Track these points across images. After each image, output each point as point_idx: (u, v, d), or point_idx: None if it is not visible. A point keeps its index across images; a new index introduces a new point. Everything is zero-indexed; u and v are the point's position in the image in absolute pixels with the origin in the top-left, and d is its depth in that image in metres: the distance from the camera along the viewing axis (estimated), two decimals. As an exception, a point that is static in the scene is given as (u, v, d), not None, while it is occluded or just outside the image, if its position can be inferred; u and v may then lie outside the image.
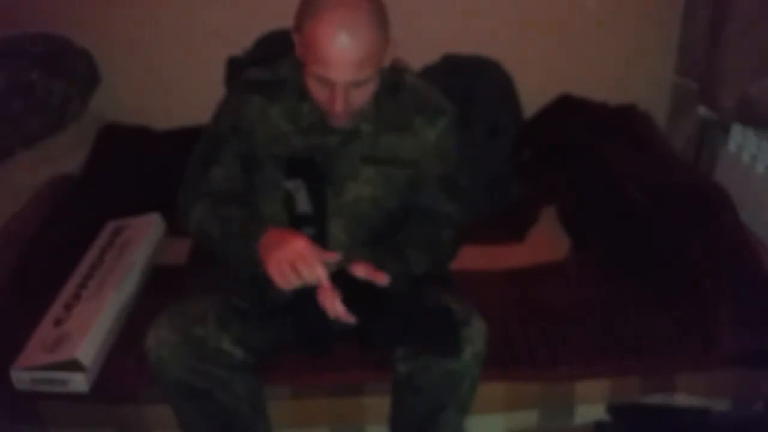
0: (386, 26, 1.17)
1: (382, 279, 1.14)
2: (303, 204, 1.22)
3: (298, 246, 1.12)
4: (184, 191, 1.34)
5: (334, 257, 1.17)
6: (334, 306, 1.14)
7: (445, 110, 1.32)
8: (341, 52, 1.11)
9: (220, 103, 1.36)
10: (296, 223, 1.22)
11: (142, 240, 1.66)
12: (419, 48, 1.97)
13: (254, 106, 1.29)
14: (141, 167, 1.97)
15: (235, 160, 1.30)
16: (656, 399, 1.43)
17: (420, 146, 1.30)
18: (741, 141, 1.86)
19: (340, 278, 1.14)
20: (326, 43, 1.11)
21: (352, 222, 1.30)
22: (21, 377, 1.34)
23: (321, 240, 1.23)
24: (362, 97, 1.19)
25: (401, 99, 1.29)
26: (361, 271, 1.15)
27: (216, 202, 1.27)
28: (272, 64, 1.33)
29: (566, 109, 2.11)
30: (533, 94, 2.10)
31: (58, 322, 1.42)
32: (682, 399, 1.43)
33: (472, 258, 1.54)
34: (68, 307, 1.46)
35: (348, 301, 1.13)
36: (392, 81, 1.28)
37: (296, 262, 1.12)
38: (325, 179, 1.26)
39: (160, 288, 1.57)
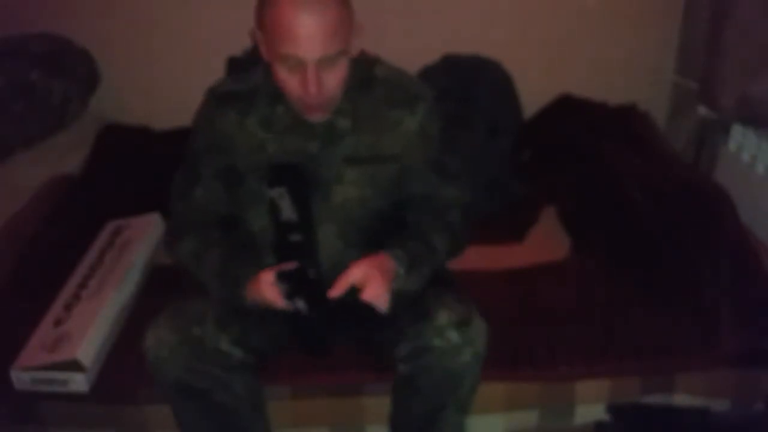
0: (350, 5, 1.15)
1: (382, 309, 1.15)
2: (288, 211, 1.19)
3: (266, 295, 1.16)
4: (171, 219, 1.35)
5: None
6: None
7: (422, 95, 1.29)
8: (307, 25, 1.09)
9: (194, 119, 1.33)
10: (282, 230, 1.20)
11: (142, 240, 1.66)
12: (419, 48, 1.98)
13: (229, 119, 1.26)
14: (141, 167, 1.97)
15: (215, 178, 1.29)
16: (656, 399, 1.43)
17: (401, 139, 1.28)
18: (741, 141, 1.86)
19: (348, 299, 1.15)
20: (291, 18, 1.09)
21: (343, 226, 1.28)
22: (21, 377, 1.34)
23: (309, 245, 1.21)
24: (334, 81, 1.16)
25: (375, 93, 1.27)
26: (369, 295, 1.15)
27: (201, 239, 1.27)
28: (244, 74, 1.30)
29: (566, 109, 2.11)
30: (533, 94, 2.10)
31: (58, 322, 1.42)
32: (682, 399, 1.43)
33: (472, 258, 1.53)
34: (68, 307, 1.46)
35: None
36: (363, 75, 1.26)
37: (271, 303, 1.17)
38: (310, 183, 1.23)
39: (160, 288, 1.57)
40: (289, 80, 1.15)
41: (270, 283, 1.16)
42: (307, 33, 1.10)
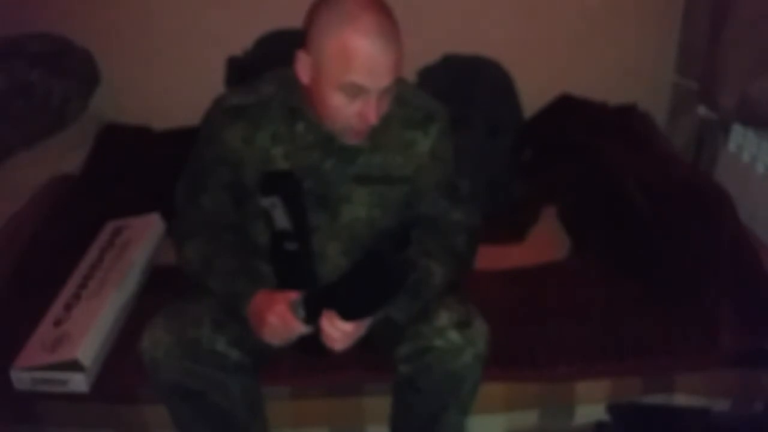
0: None
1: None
2: (281, 221, 1.17)
3: (272, 327, 1.15)
4: (177, 220, 1.33)
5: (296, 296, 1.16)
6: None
7: (436, 115, 1.28)
8: (381, 57, 1.09)
9: (201, 129, 1.29)
10: (277, 239, 1.19)
11: (142, 240, 1.66)
12: (419, 48, 1.97)
13: (237, 134, 1.22)
14: (141, 167, 1.97)
15: (223, 190, 1.27)
16: (656, 399, 1.43)
17: (414, 160, 1.27)
18: (741, 141, 1.86)
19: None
20: (364, 49, 1.08)
21: (348, 244, 1.27)
22: (21, 377, 1.34)
23: (306, 253, 1.21)
24: (385, 108, 1.16)
25: (391, 111, 1.23)
26: (328, 338, 1.15)
27: (210, 244, 1.25)
28: (252, 85, 1.27)
29: (566, 109, 2.11)
30: (533, 94, 2.10)
31: (58, 322, 1.42)
32: (682, 399, 1.43)
33: (472, 258, 1.54)
34: (68, 307, 1.46)
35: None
36: None
37: (280, 336, 1.16)
38: (302, 191, 1.21)
39: (160, 288, 1.56)
40: (346, 108, 1.13)
41: (288, 318, 1.14)
42: (380, 64, 1.10)
